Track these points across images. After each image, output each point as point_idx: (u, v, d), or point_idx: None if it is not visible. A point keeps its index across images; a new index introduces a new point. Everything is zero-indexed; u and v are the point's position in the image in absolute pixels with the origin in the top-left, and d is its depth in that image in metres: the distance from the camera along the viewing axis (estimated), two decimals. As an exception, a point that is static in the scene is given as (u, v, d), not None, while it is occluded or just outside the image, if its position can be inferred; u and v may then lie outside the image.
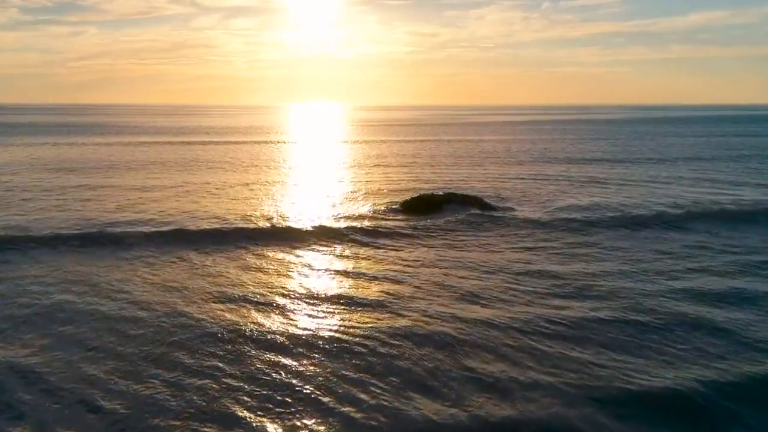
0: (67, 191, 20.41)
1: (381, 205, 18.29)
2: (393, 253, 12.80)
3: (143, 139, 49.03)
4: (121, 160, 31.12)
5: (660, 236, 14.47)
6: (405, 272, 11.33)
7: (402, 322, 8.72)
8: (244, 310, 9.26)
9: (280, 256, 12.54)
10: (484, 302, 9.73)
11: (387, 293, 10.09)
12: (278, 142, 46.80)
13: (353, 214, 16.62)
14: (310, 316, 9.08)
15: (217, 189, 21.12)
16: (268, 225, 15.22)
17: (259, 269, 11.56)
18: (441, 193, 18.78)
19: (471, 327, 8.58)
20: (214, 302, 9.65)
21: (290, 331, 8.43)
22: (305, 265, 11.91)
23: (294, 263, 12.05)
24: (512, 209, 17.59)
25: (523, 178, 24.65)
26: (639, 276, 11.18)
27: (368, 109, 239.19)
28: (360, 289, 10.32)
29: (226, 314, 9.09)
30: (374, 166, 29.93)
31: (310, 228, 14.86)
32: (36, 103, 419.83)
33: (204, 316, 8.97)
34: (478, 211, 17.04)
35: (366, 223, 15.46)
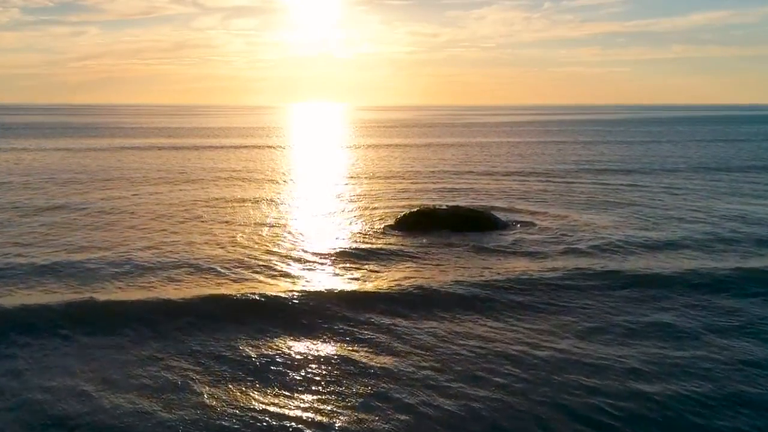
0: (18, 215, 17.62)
1: (375, 222, 15.92)
2: (379, 324, 8.77)
3: (136, 141, 46.91)
4: (103, 168, 28.96)
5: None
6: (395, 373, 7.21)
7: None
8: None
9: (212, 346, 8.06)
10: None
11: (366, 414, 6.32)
12: (274, 146, 44.42)
13: (336, 248, 12.99)
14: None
15: (187, 212, 17.33)
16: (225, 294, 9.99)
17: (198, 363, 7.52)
18: (444, 206, 16.51)
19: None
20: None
21: None
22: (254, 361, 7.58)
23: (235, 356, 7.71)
24: (528, 229, 15.17)
25: (535, 187, 22.30)
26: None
27: (369, 110, 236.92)
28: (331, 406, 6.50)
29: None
30: (373, 173, 27.64)
31: (272, 297, 9.80)
32: (37, 103, 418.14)
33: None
34: (487, 232, 14.75)
35: (349, 263, 11.88)
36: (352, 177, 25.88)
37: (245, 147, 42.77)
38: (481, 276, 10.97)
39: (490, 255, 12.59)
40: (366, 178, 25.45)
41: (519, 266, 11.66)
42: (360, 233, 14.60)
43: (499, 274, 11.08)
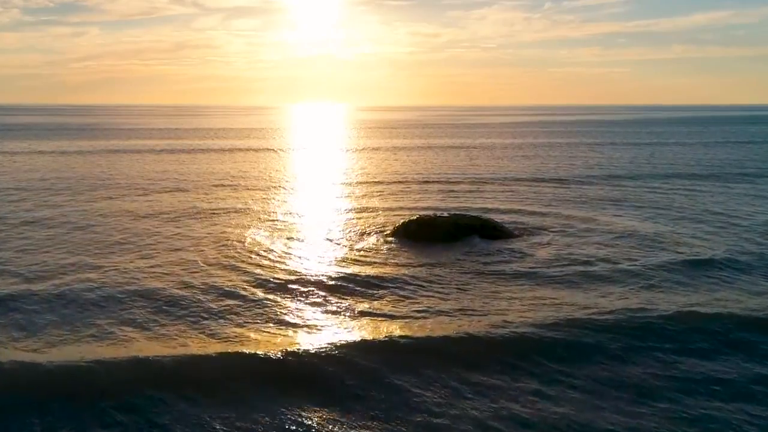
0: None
1: (372, 232, 14.76)
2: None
3: (131, 143, 45.78)
4: (86, 174, 27.87)
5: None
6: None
7: None
8: None
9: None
10: None
11: None
12: (271, 149, 43.04)
13: (326, 272, 11.12)
14: None
15: (160, 226, 15.29)
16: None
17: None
18: (445, 214, 15.39)
19: None
20: None
21: None
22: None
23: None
24: (537, 239, 13.96)
25: (542, 192, 21.13)
26: None
27: (370, 110, 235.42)
28: None
29: None
30: (372, 176, 26.50)
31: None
32: (38, 103, 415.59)
33: None
34: (492, 242, 13.64)
35: (340, 291, 10.09)
36: (349, 181, 24.77)
37: (241, 150, 41.39)
38: (494, 308, 9.31)
39: (498, 277, 10.93)
40: (364, 182, 24.33)
41: (534, 295, 9.90)
42: (354, 248, 13.13)
43: (512, 307, 9.34)
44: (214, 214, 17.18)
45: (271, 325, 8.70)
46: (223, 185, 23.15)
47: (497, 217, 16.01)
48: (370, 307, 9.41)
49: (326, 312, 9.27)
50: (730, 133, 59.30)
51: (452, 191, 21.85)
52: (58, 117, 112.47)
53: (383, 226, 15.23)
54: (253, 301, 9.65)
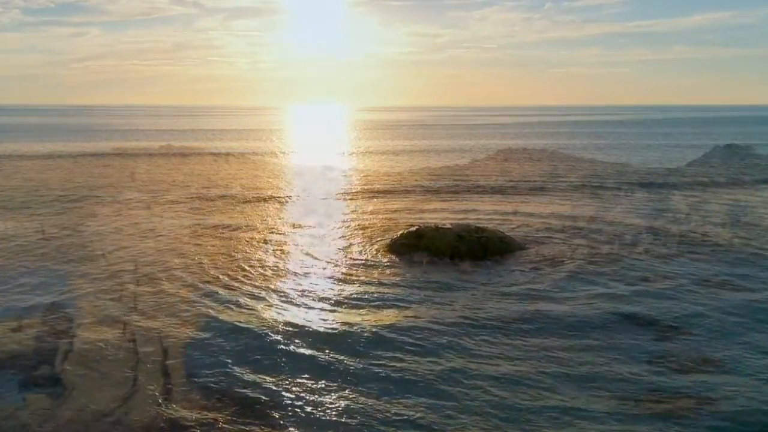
0: None
1: (368, 244, 13.40)
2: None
3: (123, 145, 44.45)
4: (67, 180, 26.57)
5: None
6: None
7: None
8: None
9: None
10: None
11: None
12: (268, 153, 41.42)
13: (305, 317, 8.91)
14: None
15: (113, 246, 13.00)
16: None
17: None
18: (448, 224, 14.05)
19: None
20: None
21: None
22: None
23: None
24: (550, 257, 12.54)
25: (554, 199, 19.80)
26: None
27: (370, 110, 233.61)
28: None
29: None
30: (371, 181, 25.14)
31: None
32: (39, 104, 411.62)
33: None
34: (500, 258, 12.29)
35: (321, 335, 8.19)
36: (346, 184, 23.46)
37: (237, 153, 39.62)
38: (538, 376, 7.01)
39: (522, 321, 8.72)
40: (363, 185, 23.02)
41: (559, 344, 7.86)
42: (346, 269, 11.40)
43: (560, 371, 7.14)
44: (197, 227, 15.68)
45: (237, 410, 6.33)
46: (214, 193, 21.74)
47: (501, 220, 15.13)
48: (371, 373, 7.07)
49: (315, 386, 6.81)
50: (745, 135, 57.85)
51: (454, 194, 20.72)
52: (56, 118, 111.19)
53: (381, 237, 13.91)
54: (216, 369, 7.20)
